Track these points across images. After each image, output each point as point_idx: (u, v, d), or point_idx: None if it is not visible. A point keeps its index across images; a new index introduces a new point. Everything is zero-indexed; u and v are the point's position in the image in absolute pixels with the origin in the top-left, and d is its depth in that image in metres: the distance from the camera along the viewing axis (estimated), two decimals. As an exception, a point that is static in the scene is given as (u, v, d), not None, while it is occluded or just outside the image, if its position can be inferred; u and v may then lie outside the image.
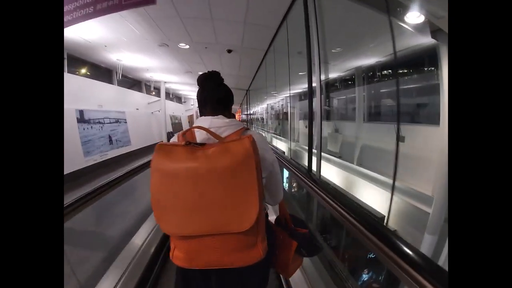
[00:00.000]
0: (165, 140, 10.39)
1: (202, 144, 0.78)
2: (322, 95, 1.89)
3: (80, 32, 4.32)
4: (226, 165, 0.71)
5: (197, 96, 1.02)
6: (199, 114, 1.10)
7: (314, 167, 2.06)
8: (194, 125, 0.89)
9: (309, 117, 2.03)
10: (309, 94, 2.04)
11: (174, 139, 0.94)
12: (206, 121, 0.92)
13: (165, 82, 9.53)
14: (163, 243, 2.20)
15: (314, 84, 1.96)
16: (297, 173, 2.06)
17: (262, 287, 1.01)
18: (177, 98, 16.03)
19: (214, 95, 0.99)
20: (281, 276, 1.84)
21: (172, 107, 14.53)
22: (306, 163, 2.11)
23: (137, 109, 8.99)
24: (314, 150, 2.12)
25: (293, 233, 1.10)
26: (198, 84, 1.02)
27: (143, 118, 9.50)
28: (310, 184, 1.72)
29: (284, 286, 1.81)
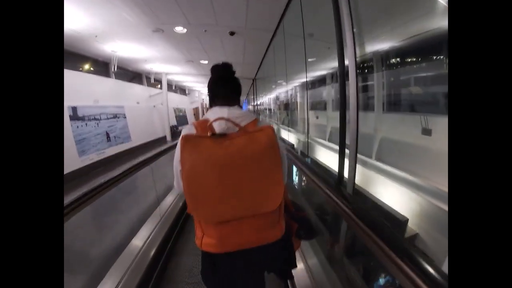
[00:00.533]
0: (168, 135, 9.96)
1: (223, 135, 0.84)
2: (353, 79, 1.38)
3: (65, 22, 3.83)
4: (254, 152, 0.80)
5: (208, 86, 1.05)
6: (207, 106, 1.02)
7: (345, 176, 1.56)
8: (215, 116, 0.92)
9: (341, 107, 1.52)
10: (340, 76, 1.53)
11: (188, 131, 0.94)
12: (224, 112, 0.96)
13: (166, 73, 9.03)
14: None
15: (346, 63, 1.44)
16: (319, 183, 1.56)
17: (288, 263, 1.12)
18: (181, 90, 15.57)
19: (229, 85, 1.04)
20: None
21: (176, 100, 14.09)
22: (320, 158, 1.61)
23: (137, 103, 8.56)
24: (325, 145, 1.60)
25: (293, 216, 1.18)
26: (211, 73, 1.06)
27: (144, 112, 9.12)
28: (342, 206, 1.24)
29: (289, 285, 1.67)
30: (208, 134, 0.84)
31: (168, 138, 10.15)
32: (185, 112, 15.87)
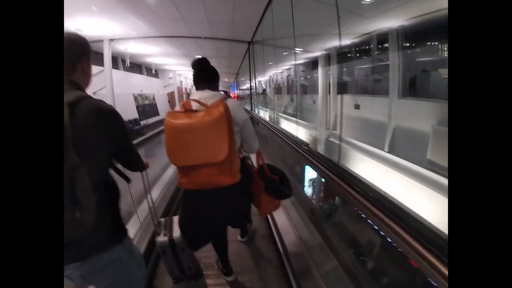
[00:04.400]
0: None
1: (194, 111, 1.27)
2: None
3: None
4: (208, 121, 1.19)
5: (193, 76, 1.50)
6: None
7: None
8: (190, 98, 1.38)
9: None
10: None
11: (175, 108, 1.41)
12: (197, 95, 1.40)
13: (112, 39, 5.97)
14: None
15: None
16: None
17: (242, 204, 1.58)
18: (148, 70, 12.40)
19: (202, 75, 1.47)
20: (270, 224, 2.43)
21: (139, 83, 11.01)
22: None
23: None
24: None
25: (264, 177, 1.60)
26: (192, 68, 1.51)
27: None
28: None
29: (274, 230, 2.28)
30: (183, 110, 1.28)
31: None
32: (153, 99, 12.77)
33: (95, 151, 0.80)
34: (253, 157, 1.69)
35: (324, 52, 7.39)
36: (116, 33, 5.87)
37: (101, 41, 6.12)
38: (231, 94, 14.45)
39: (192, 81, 1.49)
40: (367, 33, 5.88)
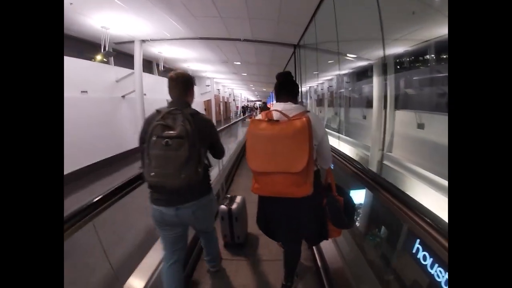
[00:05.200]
0: None
1: (277, 120, 1.34)
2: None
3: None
4: (289, 132, 1.26)
5: (274, 88, 1.55)
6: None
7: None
8: (272, 108, 1.46)
9: None
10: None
11: (257, 116, 1.49)
12: (280, 106, 1.45)
13: (143, 41, 5.51)
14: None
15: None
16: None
17: (314, 219, 1.53)
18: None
19: (286, 88, 1.52)
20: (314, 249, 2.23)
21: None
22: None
23: (83, 91, 5.12)
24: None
25: (328, 197, 1.52)
26: (276, 79, 1.57)
27: (104, 107, 5.82)
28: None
29: (317, 257, 2.10)
30: (266, 119, 1.36)
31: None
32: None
33: (205, 140, 1.42)
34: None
35: (379, 60, 6.34)
36: (148, 33, 5.41)
37: (132, 42, 5.70)
38: (268, 105, 13.92)
39: (275, 94, 1.58)
40: (440, 36, 4.78)
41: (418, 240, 1.70)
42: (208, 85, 14.37)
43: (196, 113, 1.38)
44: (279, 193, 1.35)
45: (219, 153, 1.61)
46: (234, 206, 2.19)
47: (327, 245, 2.07)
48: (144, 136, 1.28)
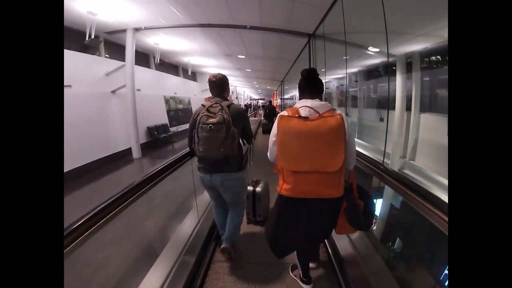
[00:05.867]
0: (136, 149, 5.76)
1: (306, 117, 1.30)
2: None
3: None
4: (324, 130, 1.24)
5: (299, 84, 1.53)
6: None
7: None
8: (301, 105, 1.39)
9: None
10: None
11: (282, 113, 1.40)
12: (308, 102, 1.39)
13: (137, 29, 4.87)
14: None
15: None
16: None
17: (334, 216, 1.50)
18: (185, 72, 11.53)
19: (314, 85, 1.48)
20: (327, 245, 2.22)
21: (174, 85, 10.07)
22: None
23: (67, 86, 4.51)
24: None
25: (349, 199, 1.46)
26: (301, 76, 1.52)
27: (90, 103, 5.28)
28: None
29: (330, 251, 2.13)
30: (296, 115, 1.31)
31: (136, 153, 5.90)
32: (189, 103, 11.78)
33: (237, 124, 1.73)
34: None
35: (402, 56, 5.68)
36: (142, 20, 4.75)
37: (125, 31, 5.04)
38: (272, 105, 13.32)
39: (300, 91, 1.55)
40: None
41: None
42: (209, 81, 13.79)
43: (231, 104, 1.78)
44: (310, 193, 1.34)
45: (248, 137, 1.94)
46: (258, 188, 2.58)
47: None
48: (194, 124, 1.76)
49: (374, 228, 4.18)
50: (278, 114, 1.39)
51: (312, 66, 6.14)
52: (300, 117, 1.30)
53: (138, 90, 7.03)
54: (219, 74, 1.88)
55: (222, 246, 2.01)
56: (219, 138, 1.66)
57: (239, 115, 1.78)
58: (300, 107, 1.36)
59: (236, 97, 25.53)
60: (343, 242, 2.11)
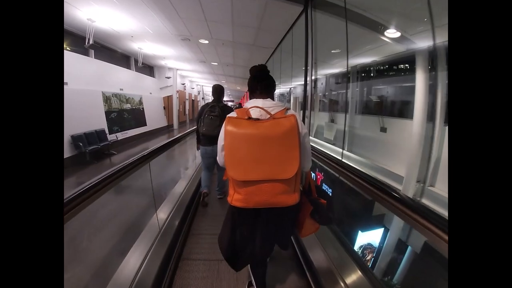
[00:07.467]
0: None
1: (256, 119, 1.20)
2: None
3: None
4: (278, 133, 1.12)
5: (248, 83, 1.42)
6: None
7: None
8: (251, 105, 1.28)
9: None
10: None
11: (231, 115, 1.27)
12: (259, 102, 1.30)
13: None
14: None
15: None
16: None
17: (293, 226, 1.48)
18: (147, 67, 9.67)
19: (265, 83, 1.38)
20: (293, 238, 2.28)
21: (121, 79, 8.18)
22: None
23: None
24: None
25: (312, 200, 1.43)
26: (250, 74, 1.43)
27: None
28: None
29: (295, 246, 2.22)
30: (246, 117, 1.19)
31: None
32: (140, 103, 9.86)
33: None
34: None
35: (420, 48, 4.41)
36: (133, 29, 3.44)
37: None
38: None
39: (249, 90, 1.45)
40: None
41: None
42: (169, 77, 11.82)
43: (224, 105, 2.98)
44: (265, 203, 1.20)
45: None
46: None
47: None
48: (201, 114, 2.92)
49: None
50: (226, 116, 1.25)
51: (310, 49, 4.61)
52: (250, 118, 1.21)
53: (65, 83, 5.84)
54: (218, 84, 3.12)
55: (218, 197, 3.44)
56: (215, 124, 2.83)
57: (228, 111, 2.72)
58: (250, 108, 1.28)
59: (203, 98, 23.69)
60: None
